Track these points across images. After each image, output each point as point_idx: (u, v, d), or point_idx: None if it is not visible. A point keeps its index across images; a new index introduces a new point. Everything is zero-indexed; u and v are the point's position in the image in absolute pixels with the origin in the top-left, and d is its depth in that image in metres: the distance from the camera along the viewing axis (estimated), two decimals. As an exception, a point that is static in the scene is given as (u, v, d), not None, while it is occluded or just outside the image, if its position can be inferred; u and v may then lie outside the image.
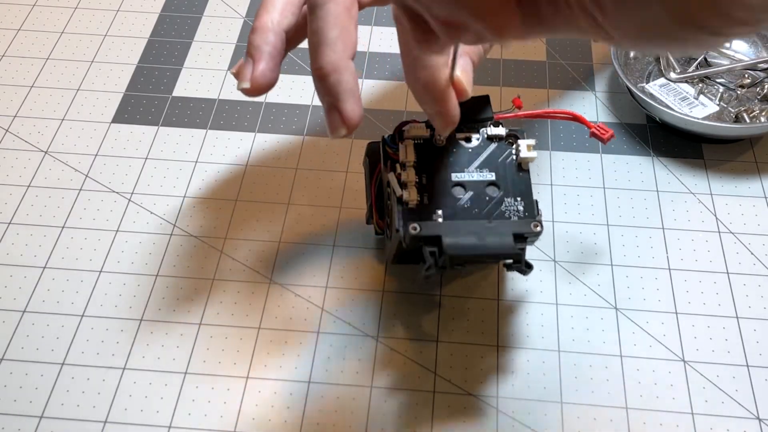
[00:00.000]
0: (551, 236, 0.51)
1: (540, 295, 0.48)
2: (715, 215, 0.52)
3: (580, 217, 0.52)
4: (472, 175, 0.42)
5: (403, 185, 0.42)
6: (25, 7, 0.68)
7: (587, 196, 0.54)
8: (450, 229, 0.41)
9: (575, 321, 0.47)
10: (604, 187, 0.54)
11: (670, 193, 0.54)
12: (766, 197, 0.54)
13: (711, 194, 0.54)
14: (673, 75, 0.58)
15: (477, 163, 0.43)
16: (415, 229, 0.40)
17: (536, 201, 0.43)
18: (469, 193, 0.42)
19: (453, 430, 0.43)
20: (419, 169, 0.42)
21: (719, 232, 0.52)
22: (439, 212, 0.41)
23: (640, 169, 0.55)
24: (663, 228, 0.52)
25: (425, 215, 0.41)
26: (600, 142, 0.55)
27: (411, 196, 0.41)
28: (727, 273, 0.49)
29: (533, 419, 0.43)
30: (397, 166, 0.42)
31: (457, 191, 0.42)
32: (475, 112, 0.43)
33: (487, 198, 0.42)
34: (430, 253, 0.41)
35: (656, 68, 0.59)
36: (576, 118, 0.45)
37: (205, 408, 0.44)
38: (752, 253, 0.50)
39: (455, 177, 0.42)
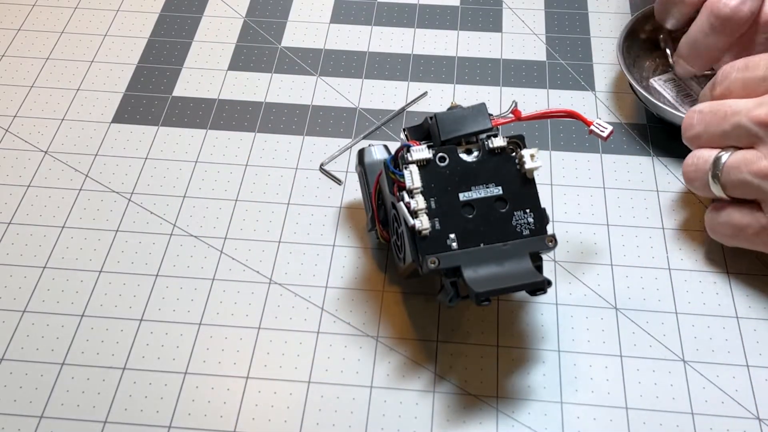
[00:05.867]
0: (551, 236, 0.51)
1: (540, 295, 0.48)
2: (715, 215, 0.52)
3: (580, 217, 0.52)
4: (479, 191, 0.42)
5: (413, 214, 0.41)
6: (25, 7, 0.68)
7: (587, 196, 0.54)
8: (468, 258, 0.41)
9: (575, 321, 0.47)
10: (604, 187, 0.54)
11: (670, 193, 0.54)
12: (766, 197, 0.54)
13: (711, 194, 0.54)
14: (680, 70, 0.57)
15: (482, 178, 0.42)
16: (434, 263, 0.40)
17: (544, 209, 0.43)
18: (479, 212, 0.42)
19: (453, 430, 0.43)
20: (426, 192, 0.41)
21: (719, 232, 0.52)
22: (452, 236, 0.41)
23: (640, 169, 0.55)
24: (663, 228, 0.52)
25: (439, 243, 0.41)
26: (600, 141, 0.55)
27: (423, 225, 0.41)
28: (728, 273, 0.49)
29: (533, 419, 0.43)
30: (405, 193, 0.42)
31: (466, 211, 0.42)
32: (474, 122, 0.43)
33: (497, 214, 0.42)
34: (451, 283, 0.41)
35: (662, 62, 0.59)
36: (572, 115, 0.45)
37: (205, 408, 0.44)
38: (752, 253, 0.50)
39: (463, 196, 0.42)
